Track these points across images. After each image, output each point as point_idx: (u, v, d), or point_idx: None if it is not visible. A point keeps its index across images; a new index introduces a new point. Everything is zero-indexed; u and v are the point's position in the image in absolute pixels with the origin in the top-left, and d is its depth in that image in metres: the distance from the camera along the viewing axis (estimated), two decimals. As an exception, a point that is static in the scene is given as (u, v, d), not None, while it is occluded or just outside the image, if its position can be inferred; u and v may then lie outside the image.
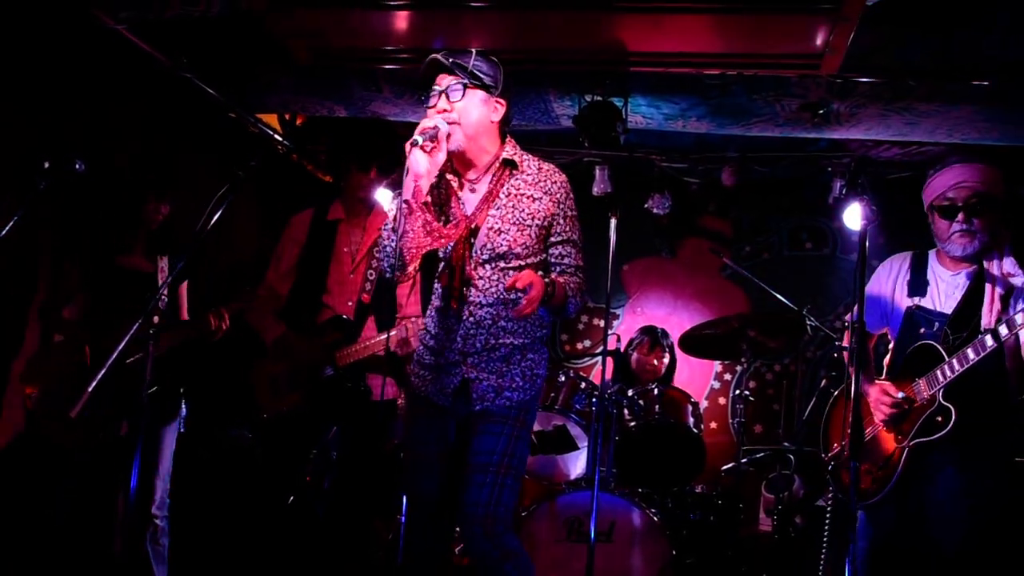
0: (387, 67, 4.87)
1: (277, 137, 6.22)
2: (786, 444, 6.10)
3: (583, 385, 5.24)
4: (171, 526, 4.57)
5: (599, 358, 5.50)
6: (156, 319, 4.16)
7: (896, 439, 3.67)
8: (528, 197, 3.17)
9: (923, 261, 3.84)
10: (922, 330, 3.68)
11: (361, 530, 4.78)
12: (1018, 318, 3.31)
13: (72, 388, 4.24)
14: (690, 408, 5.30)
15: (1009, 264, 3.58)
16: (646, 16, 4.22)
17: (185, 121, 5.68)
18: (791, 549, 5.40)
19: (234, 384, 5.33)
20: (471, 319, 3.14)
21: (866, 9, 3.80)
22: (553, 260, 3.23)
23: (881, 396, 3.72)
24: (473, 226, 3.15)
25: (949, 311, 3.64)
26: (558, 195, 3.21)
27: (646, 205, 6.78)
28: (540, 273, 3.08)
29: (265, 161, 3.65)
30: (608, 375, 4.87)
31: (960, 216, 3.61)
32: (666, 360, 5.93)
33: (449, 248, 3.16)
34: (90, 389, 3.23)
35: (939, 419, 3.51)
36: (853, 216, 5.22)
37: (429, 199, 3.12)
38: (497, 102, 3.20)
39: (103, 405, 4.23)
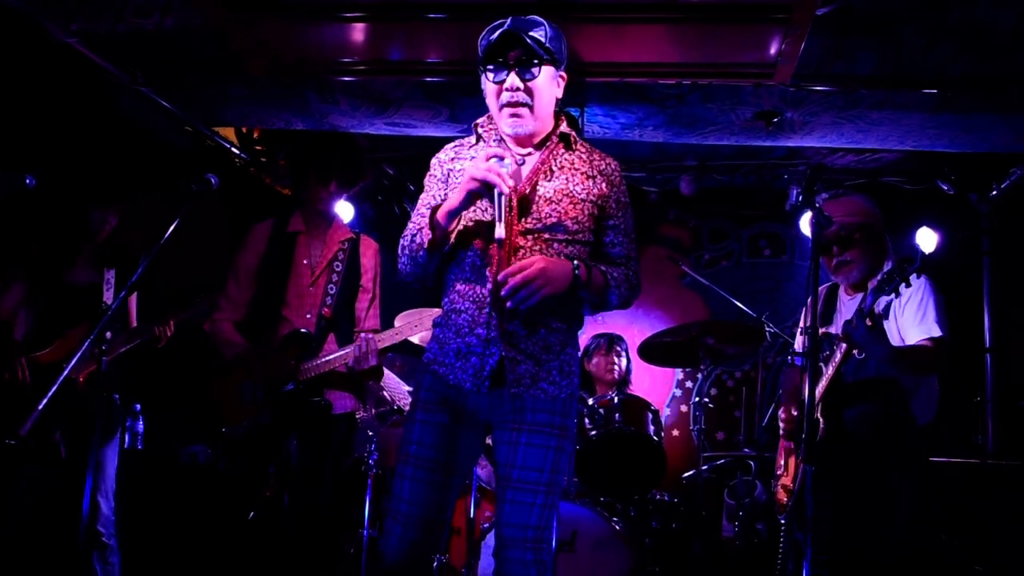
0: (344, 79, 4.87)
1: (234, 150, 6.18)
2: (747, 450, 6.15)
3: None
4: (128, 545, 4.51)
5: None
6: (108, 334, 4.15)
7: (796, 455, 3.98)
8: (582, 174, 2.97)
9: (835, 291, 4.17)
10: (825, 353, 3.90)
11: (322, 545, 4.74)
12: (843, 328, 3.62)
13: (7, 405, 4.19)
14: (650, 416, 5.32)
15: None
16: (602, 26, 4.25)
17: (140, 135, 5.63)
18: (754, 555, 5.44)
19: (193, 398, 5.28)
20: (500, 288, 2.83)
21: (816, 18, 3.85)
22: (604, 249, 3.04)
23: (781, 416, 4.15)
24: (523, 194, 2.91)
25: None
26: (613, 177, 3.03)
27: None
28: (573, 255, 2.91)
29: (222, 174, 3.59)
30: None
31: (835, 249, 3.95)
32: (624, 362, 5.95)
33: (495, 213, 2.82)
34: (40, 407, 3.19)
35: (812, 433, 3.69)
36: (808, 223, 5.31)
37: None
38: (561, 76, 3.01)
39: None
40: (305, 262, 4.53)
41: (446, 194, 3.00)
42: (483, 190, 2.78)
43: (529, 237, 2.88)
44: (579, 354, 3.16)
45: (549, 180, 2.94)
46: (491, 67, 2.92)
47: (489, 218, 2.86)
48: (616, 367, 5.90)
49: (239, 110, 5.64)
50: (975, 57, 4.29)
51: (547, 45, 2.87)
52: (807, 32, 4.01)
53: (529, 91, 2.88)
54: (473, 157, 2.98)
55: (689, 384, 7.52)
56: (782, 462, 4.21)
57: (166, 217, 3.45)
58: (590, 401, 5.34)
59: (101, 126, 5.37)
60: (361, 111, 5.29)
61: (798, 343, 4.36)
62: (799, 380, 4.28)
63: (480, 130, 3.09)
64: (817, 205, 3.97)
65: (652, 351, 5.56)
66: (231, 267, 4.62)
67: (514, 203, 2.86)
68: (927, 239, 6.18)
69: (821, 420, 3.76)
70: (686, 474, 5.90)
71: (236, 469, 4.63)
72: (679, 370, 7.53)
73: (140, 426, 4.70)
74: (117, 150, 5.51)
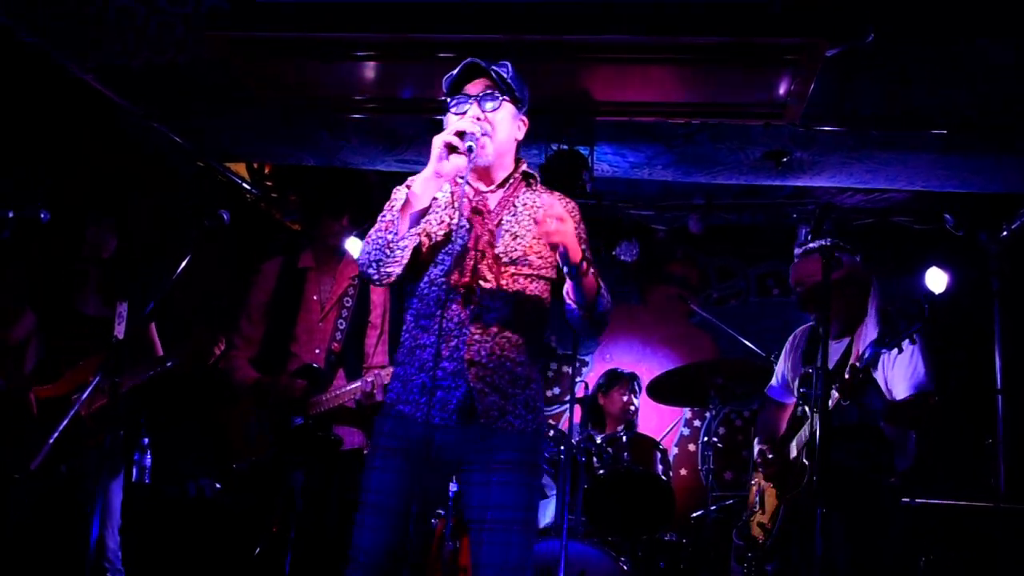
0: (355, 117, 4.91)
1: (245, 186, 6.22)
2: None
3: (551, 433, 5.23)
4: (135, 577, 4.50)
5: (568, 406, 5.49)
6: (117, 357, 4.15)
7: (777, 495, 4.01)
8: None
9: (818, 331, 4.08)
10: (807, 392, 3.96)
11: (328, 581, 4.72)
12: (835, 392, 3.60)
13: (16, 439, 4.19)
14: (659, 455, 5.30)
15: (870, 329, 3.86)
16: (612, 67, 4.27)
17: (149, 174, 5.67)
18: (762, 597, 5.38)
19: (202, 433, 5.29)
20: (476, 324, 2.83)
21: (825, 59, 3.87)
22: None
23: (761, 456, 4.18)
24: (491, 227, 2.90)
25: None
26: (574, 216, 2.99)
27: (614, 252, 6.82)
28: (537, 291, 2.92)
29: (233, 210, 3.62)
30: (576, 422, 4.85)
31: (809, 307, 4.09)
32: (638, 401, 5.95)
33: (459, 243, 2.85)
34: (51, 441, 3.20)
35: (799, 475, 3.82)
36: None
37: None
38: (522, 120, 3.03)
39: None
40: (315, 298, 4.54)
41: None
42: (448, 156, 2.76)
43: (497, 270, 2.87)
44: (543, 386, 3.11)
45: (513, 215, 2.95)
46: (453, 99, 2.94)
47: (450, 251, 2.86)
48: (632, 406, 5.90)
49: (251, 146, 5.69)
50: (983, 99, 4.31)
51: (509, 81, 2.90)
52: (816, 73, 4.03)
53: (489, 123, 2.88)
54: (434, 197, 2.94)
55: (697, 423, 7.49)
56: (756, 500, 4.21)
57: (176, 252, 3.47)
58: (598, 439, 5.32)
59: (114, 159, 5.40)
60: (371, 148, 5.33)
61: (776, 378, 4.43)
62: (776, 418, 4.38)
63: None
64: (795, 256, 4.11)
65: (661, 390, 5.54)
66: (243, 305, 4.64)
67: (481, 238, 2.87)
68: (936, 279, 6.18)
69: (807, 464, 3.77)
70: (694, 514, 5.86)
71: (243, 503, 4.63)
72: (686, 409, 7.49)
73: (148, 460, 4.69)
74: (129, 184, 5.55)
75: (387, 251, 2.79)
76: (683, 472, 7.37)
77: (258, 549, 4.61)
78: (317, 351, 4.46)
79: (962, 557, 5.32)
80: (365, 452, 4.63)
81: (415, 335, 2.92)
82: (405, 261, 2.85)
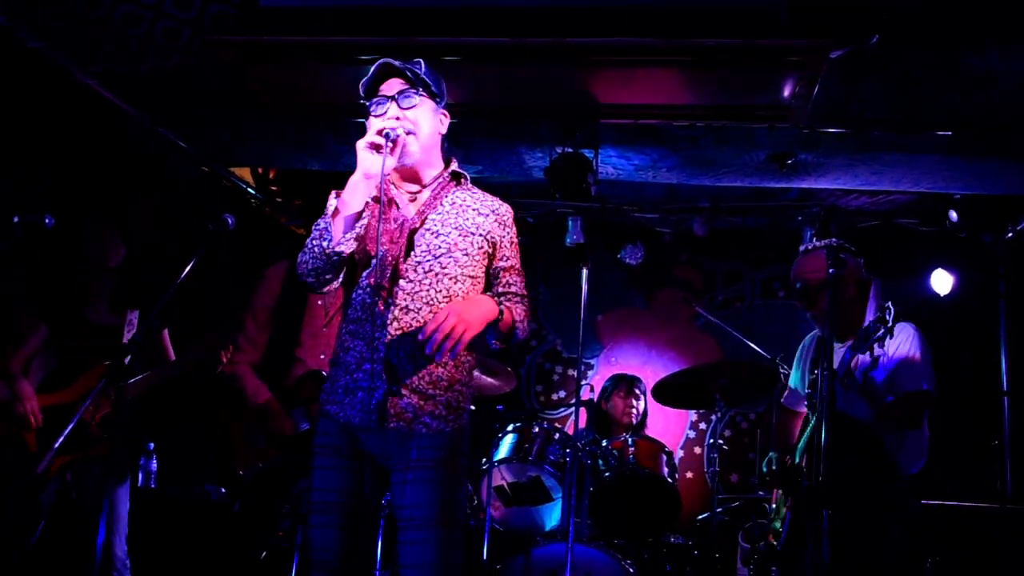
0: (360, 121, 4.91)
1: (250, 191, 6.23)
2: (762, 493, 6.09)
3: (557, 436, 5.22)
4: (141, 585, 4.50)
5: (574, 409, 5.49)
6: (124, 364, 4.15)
7: (785, 500, 4.02)
8: (474, 210, 2.97)
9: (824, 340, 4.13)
10: (813, 399, 3.93)
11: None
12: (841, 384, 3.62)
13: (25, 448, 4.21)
14: (664, 458, 5.29)
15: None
16: (616, 70, 4.28)
17: (149, 175, 5.67)
18: (769, 599, 5.37)
19: (208, 439, 5.29)
20: (395, 324, 2.81)
21: (830, 61, 3.87)
22: (501, 288, 3.00)
23: (768, 464, 4.18)
24: (413, 227, 2.89)
25: None
26: (504, 218, 3.03)
27: (619, 256, 6.83)
28: (460, 292, 2.89)
29: (238, 215, 3.62)
30: (582, 425, 4.85)
31: (801, 306, 4.08)
32: (641, 405, 5.94)
33: (381, 249, 2.83)
34: (56, 446, 3.20)
35: (801, 480, 3.83)
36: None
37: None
38: (443, 114, 3.03)
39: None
40: (319, 303, 4.55)
41: None
42: (374, 151, 2.75)
43: (418, 269, 2.86)
44: (472, 387, 3.07)
45: (439, 214, 2.93)
46: (371, 102, 2.91)
47: (375, 257, 2.83)
48: (634, 410, 5.88)
49: (255, 151, 5.70)
50: (987, 101, 4.31)
51: (424, 78, 2.90)
52: (821, 74, 4.03)
53: (411, 121, 2.87)
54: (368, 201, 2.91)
55: (703, 426, 7.48)
56: (775, 506, 4.21)
57: (182, 257, 3.47)
58: (604, 443, 5.32)
59: (115, 160, 5.41)
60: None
61: (789, 386, 4.45)
62: (791, 426, 4.39)
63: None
64: (817, 246, 4.08)
65: (666, 393, 5.53)
66: (249, 309, 4.65)
67: (402, 238, 2.85)
68: (942, 281, 6.17)
69: (805, 470, 3.77)
70: (700, 516, 5.85)
71: (249, 509, 4.63)
72: (692, 412, 7.49)
73: (153, 465, 4.69)
74: (134, 189, 5.56)
75: (323, 259, 2.79)
76: (689, 475, 7.36)
77: (264, 554, 4.62)
78: (322, 356, 4.47)
79: (968, 559, 5.31)
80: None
81: (344, 339, 2.92)
82: (343, 268, 2.87)
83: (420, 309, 2.83)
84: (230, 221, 3.57)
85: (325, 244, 2.77)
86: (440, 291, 2.86)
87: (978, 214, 6.12)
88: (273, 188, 6.56)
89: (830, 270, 3.53)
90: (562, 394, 7.71)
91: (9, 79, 4.42)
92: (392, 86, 2.90)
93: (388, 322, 2.82)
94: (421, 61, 2.94)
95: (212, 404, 4.88)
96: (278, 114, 4.93)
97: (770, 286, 7.65)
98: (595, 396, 6.04)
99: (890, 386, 3.80)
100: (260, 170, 6.40)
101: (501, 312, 2.86)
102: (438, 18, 3.91)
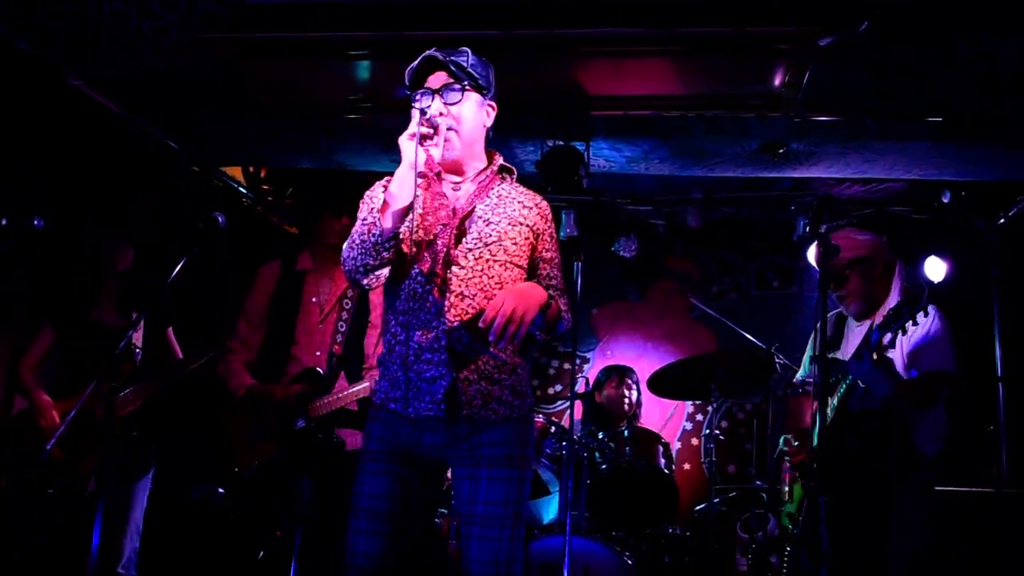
0: (351, 117, 4.90)
1: (242, 190, 6.22)
2: (759, 483, 6.11)
3: (553, 429, 5.23)
4: (140, 585, 4.50)
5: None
6: (127, 368, 4.16)
7: (802, 484, 4.01)
8: (519, 202, 2.97)
9: (844, 317, 4.20)
10: (831, 380, 3.92)
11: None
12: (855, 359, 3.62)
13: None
14: (661, 449, 5.29)
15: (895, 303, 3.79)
16: (605, 60, 4.27)
17: (148, 175, 5.66)
18: (767, 589, 5.38)
19: (205, 439, 5.27)
20: (452, 312, 2.80)
21: (820, 49, 3.87)
22: (542, 280, 2.99)
23: (788, 446, 4.17)
24: (462, 215, 2.89)
25: None
26: (546, 212, 3.04)
27: (613, 248, 6.82)
28: (510, 278, 2.89)
29: (230, 214, 3.61)
30: (578, 418, 4.84)
31: (832, 285, 3.99)
32: (635, 394, 5.93)
33: (432, 236, 2.85)
34: (48, 447, 3.20)
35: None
36: (814, 255, 5.35)
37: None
38: (489, 106, 3.00)
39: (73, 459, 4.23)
40: (314, 300, 4.53)
41: None
42: (420, 147, 2.74)
43: (470, 256, 2.85)
44: (530, 371, 3.09)
45: (487, 204, 2.93)
46: (416, 93, 2.89)
47: (421, 247, 2.84)
48: (627, 399, 5.88)
49: (246, 149, 5.68)
50: (979, 87, 4.31)
51: (470, 70, 2.87)
52: (811, 62, 4.02)
53: (454, 116, 2.86)
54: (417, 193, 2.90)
55: (700, 417, 7.49)
56: (787, 489, 4.20)
57: (173, 257, 3.47)
58: (600, 435, 5.32)
59: (111, 167, 5.40)
60: (368, 149, 5.32)
61: (804, 367, 4.41)
62: (803, 408, 4.33)
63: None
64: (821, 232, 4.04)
65: (662, 384, 5.53)
66: (241, 309, 4.63)
67: (451, 224, 2.86)
68: (935, 268, 6.17)
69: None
70: (698, 507, 5.86)
71: (247, 508, 4.62)
72: (689, 403, 7.50)
73: (152, 464, 4.68)
74: (126, 190, 5.54)
75: (373, 254, 2.76)
76: (686, 466, 7.36)
77: (262, 554, 4.60)
78: (318, 353, 4.45)
79: (965, 544, 5.32)
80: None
81: (395, 332, 2.89)
82: (391, 261, 2.82)
83: (475, 296, 2.83)
84: (220, 220, 3.57)
85: (374, 239, 2.73)
86: (492, 277, 2.86)
87: (970, 201, 6.12)
88: (265, 187, 6.54)
89: (823, 257, 3.52)
90: (558, 388, 7.71)
91: (7, 79, 4.40)
92: (438, 78, 2.88)
93: (445, 309, 2.80)
94: (468, 51, 2.91)
95: (209, 404, 4.86)
96: (268, 112, 4.91)
97: (764, 276, 7.65)
98: (590, 388, 6.04)
99: (914, 364, 3.78)
100: (251, 169, 6.38)
101: (551, 298, 2.87)
102: (426, 12, 3.90)
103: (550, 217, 3.06)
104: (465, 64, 2.86)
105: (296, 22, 3.98)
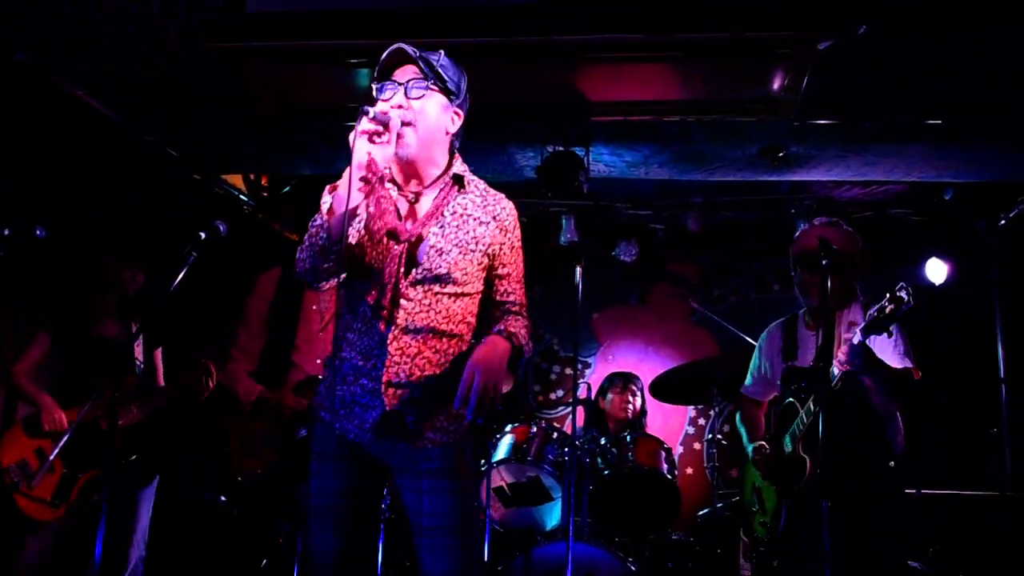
0: (352, 124, 4.89)
1: (242, 198, 6.22)
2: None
3: (555, 435, 5.22)
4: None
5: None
6: (132, 381, 4.16)
7: (776, 492, 3.96)
8: (475, 219, 2.83)
9: (793, 325, 4.18)
10: (793, 387, 3.94)
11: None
12: (840, 357, 3.55)
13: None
14: (663, 454, 5.28)
15: (855, 312, 3.83)
16: (605, 66, 4.27)
17: (148, 176, 5.66)
18: (771, 593, 5.37)
19: (207, 447, 5.27)
20: (395, 344, 2.75)
21: (819, 53, 3.87)
22: (499, 297, 2.94)
23: (756, 455, 4.14)
24: (412, 240, 2.77)
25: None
26: (506, 223, 2.88)
27: (613, 253, 6.82)
28: (460, 309, 2.83)
29: (231, 222, 3.60)
30: (580, 424, 4.83)
31: (806, 272, 3.93)
32: (638, 401, 5.93)
33: (381, 264, 2.76)
34: (52, 457, 3.20)
35: (798, 469, 3.78)
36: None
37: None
38: (456, 112, 2.83)
39: (77, 471, 4.23)
40: (314, 307, 4.54)
41: None
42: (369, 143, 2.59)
43: (418, 288, 2.77)
44: None
45: (441, 227, 2.79)
46: (380, 85, 2.77)
47: (384, 270, 2.75)
48: (630, 406, 5.87)
49: (247, 157, 5.69)
50: (978, 89, 4.31)
51: (439, 70, 2.75)
52: (810, 66, 4.03)
53: (415, 112, 2.71)
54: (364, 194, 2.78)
55: (702, 421, 7.48)
56: (753, 498, 4.19)
57: (174, 266, 3.46)
58: (603, 441, 5.31)
59: (111, 176, 5.40)
60: (368, 155, 5.32)
61: (751, 375, 4.40)
62: (756, 416, 4.38)
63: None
64: (815, 223, 4.03)
65: (664, 388, 5.54)
66: (241, 317, 4.64)
67: (403, 256, 2.75)
68: (937, 270, 6.18)
69: (807, 458, 3.75)
70: (701, 512, 5.85)
71: (250, 516, 4.62)
72: (691, 408, 7.49)
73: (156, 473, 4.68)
74: (127, 200, 5.54)
75: (321, 257, 2.68)
76: (689, 471, 7.35)
77: (265, 561, 4.61)
78: (319, 361, 4.47)
79: (968, 547, 5.31)
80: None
81: (339, 348, 2.84)
82: (342, 266, 2.73)
83: (422, 329, 2.77)
84: (222, 228, 3.56)
85: (322, 242, 2.65)
86: (440, 311, 2.80)
87: (970, 202, 6.13)
88: (265, 194, 6.54)
89: (823, 261, 3.52)
90: (560, 393, 7.70)
91: (6, 80, 4.40)
92: (405, 72, 2.76)
93: (388, 341, 2.75)
94: (442, 52, 2.80)
95: (210, 412, 4.87)
96: (269, 119, 4.91)
97: (765, 279, 7.65)
98: (592, 395, 6.04)
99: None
100: (252, 177, 6.39)
101: (515, 348, 2.80)
102: (426, 19, 3.90)
103: (511, 226, 2.93)
104: (435, 63, 2.75)
105: (296, 30, 3.98)
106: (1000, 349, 6.38)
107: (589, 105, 4.58)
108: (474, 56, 4.12)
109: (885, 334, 3.47)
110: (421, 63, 2.72)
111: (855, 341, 3.49)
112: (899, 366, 3.71)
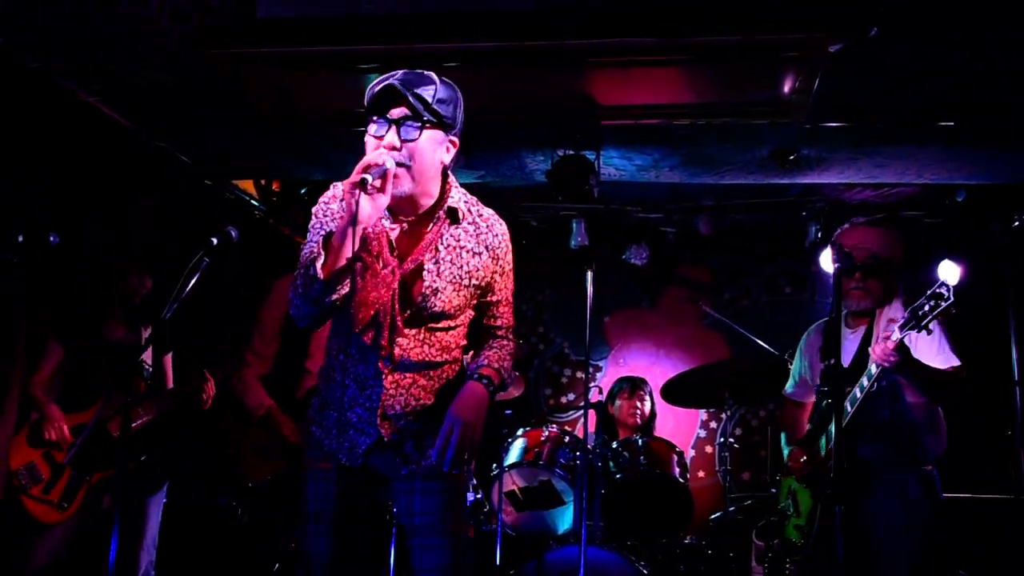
0: (362, 130, 4.90)
1: (253, 203, 6.23)
2: (774, 490, 6.07)
3: (567, 439, 5.22)
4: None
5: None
6: (142, 387, 4.17)
7: (812, 495, 3.92)
8: (469, 251, 2.82)
9: (834, 326, 4.01)
10: (826, 389, 3.91)
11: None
12: (877, 353, 3.53)
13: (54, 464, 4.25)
14: (675, 458, 5.28)
15: (895, 310, 3.80)
16: (615, 70, 4.27)
17: (149, 176, 5.66)
18: (784, 597, 5.35)
19: (218, 452, 5.28)
20: (390, 378, 2.79)
21: (829, 55, 3.86)
22: (487, 321, 2.98)
23: (792, 459, 4.10)
24: (407, 275, 2.77)
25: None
26: (499, 250, 2.88)
27: (624, 256, 6.82)
28: (452, 341, 2.89)
29: (242, 227, 3.60)
30: (591, 428, 4.83)
31: (857, 275, 3.88)
32: (648, 405, 5.92)
33: (374, 306, 2.75)
34: (66, 461, 3.22)
35: (831, 471, 3.67)
36: (828, 260, 5.32)
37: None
38: (451, 141, 2.76)
39: (85, 473, 4.24)
40: (329, 316, 4.54)
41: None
42: (363, 185, 2.53)
43: (412, 327, 2.79)
44: None
45: (435, 263, 2.78)
46: (373, 119, 2.68)
47: (377, 304, 2.74)
48: (639, 411, 5.87)
49: (257, 162, 5.70)
50: (990, 91, 4.29)
51: (433, 106, 2.63)
52: (821, 68, 4.01)
53: (409, 152, 2.64)
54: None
55: (713, 425, 7.46)
56: (788, 502, 4.17)
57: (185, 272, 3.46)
58: (614, 444, 5.31)
59: (121, 183, 5.41)
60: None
61: (793, 378, 4.36)
62: (798, 418, 4.32)
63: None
64: (846, 226, 4.01)
65: (675, 392, 5.53)
66: (256, 323, 4.65)
67: (396, 291, 2.74)
68: (949, 272, 6.14)
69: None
70: (713, 516, 5.84)
71: (262, 521, 4.63)
72: (702, 411, 7.48)
73: (166, 478, 4.70)
74: (138, 206, 5.56)
75: (316, 304, 2.66)
76: (700, 474, 7.34)
77: (277, 566, 4.61)
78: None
79: (983, 550, 5.29)
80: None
81: (333, 366, 2.88)
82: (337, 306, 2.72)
83: (416, 363, 2.82)
84: (234, 234, 3.56)
85: (315, 291, 2.62)
86: (433, 344, 2.84)
87: (983, 204, 6.10)
88: (276, 199, 6.56)
89: (836, 264, 3.51)
90: (571, 397, 7.70)
91: (6, 79, 4.41)
92: (400, 109, 2.64)
93: (384, 375, 2.79)
94: (435, 80, 2.66)
95: (221, 417, 4.88)
96: (276, 124, 4.92)
97: (776, 282, 7.64)
98: (603, 398, 6.03)
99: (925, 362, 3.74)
100: (263, 182, 6.40)
101: (489, 392, 2.84)
102: (436, 24, 3.90)
103: (504, 252, 2.92)
104: (430, 99, 2.63)
105: (307, 36, 3.99)
106: (1014, 351, 6.35)
107: (599, 109, 4.58)
108: (484, 61, 4.13)
109: (926, 332, 3.47)
110: (412, 99, 2.62)
111: (893, 338, 3.48)
112: (943, 366, 3.69)
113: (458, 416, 2.72)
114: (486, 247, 2.86)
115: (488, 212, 2.93)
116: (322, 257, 2.63)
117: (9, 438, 4.36)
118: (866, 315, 3.95)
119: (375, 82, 2.66)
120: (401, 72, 2.66)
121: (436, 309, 2.78)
